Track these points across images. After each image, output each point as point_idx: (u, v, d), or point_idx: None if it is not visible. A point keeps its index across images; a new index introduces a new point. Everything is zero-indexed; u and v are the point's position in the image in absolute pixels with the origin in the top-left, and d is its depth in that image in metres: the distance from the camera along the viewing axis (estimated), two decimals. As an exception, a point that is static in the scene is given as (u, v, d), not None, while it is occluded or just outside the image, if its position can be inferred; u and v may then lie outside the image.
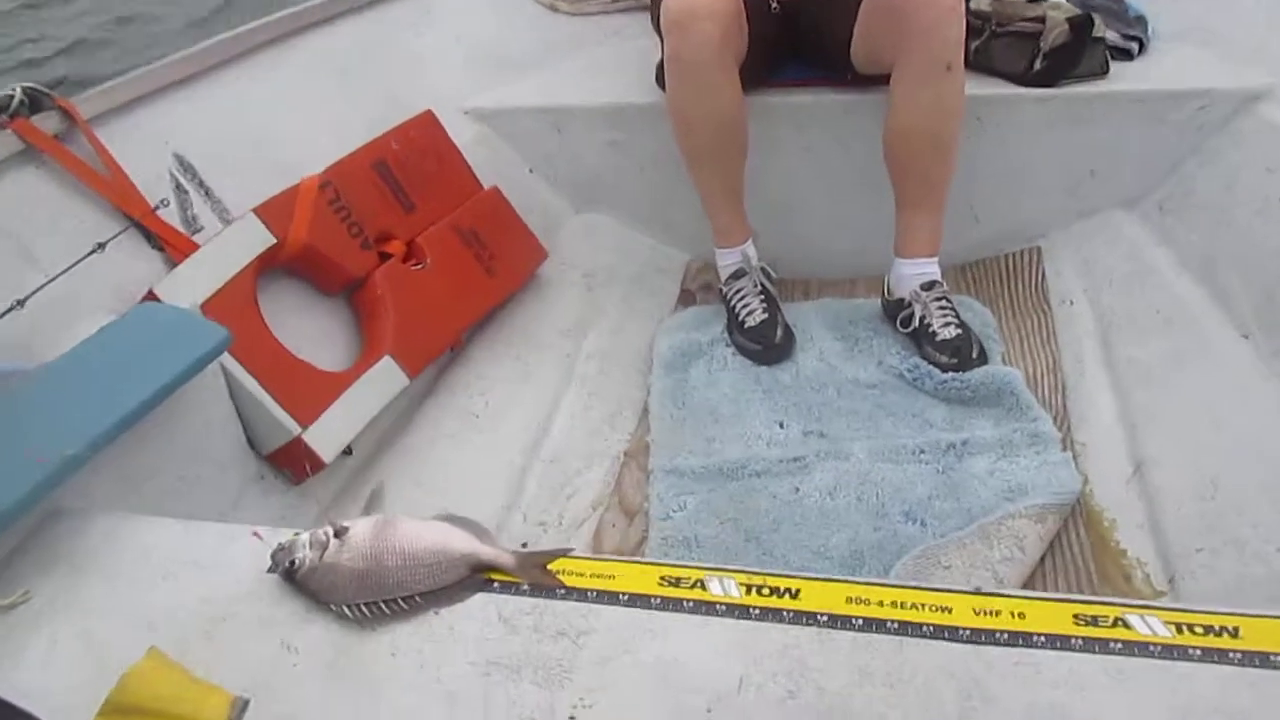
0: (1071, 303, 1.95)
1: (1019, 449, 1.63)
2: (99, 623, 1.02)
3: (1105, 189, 2.02)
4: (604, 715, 0.86)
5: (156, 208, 1.57)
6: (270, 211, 1.65)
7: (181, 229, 1.62)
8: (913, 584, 0.94)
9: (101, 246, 1.47)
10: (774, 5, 1.94)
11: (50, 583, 1.07)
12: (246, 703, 0.80)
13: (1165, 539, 1.43)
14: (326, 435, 1.57)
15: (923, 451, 1.66)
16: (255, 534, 1.06)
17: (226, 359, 1.44)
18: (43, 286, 1.37)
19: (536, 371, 1.95)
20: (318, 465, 1.56)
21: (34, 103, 1.51)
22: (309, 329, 1.74)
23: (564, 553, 1.02)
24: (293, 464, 1.56)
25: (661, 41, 1.84)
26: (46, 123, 1.51)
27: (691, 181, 1.96)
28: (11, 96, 1.48)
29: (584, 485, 1.74)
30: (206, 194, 1.70)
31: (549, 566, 1.00)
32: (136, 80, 1.68)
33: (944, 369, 1.79)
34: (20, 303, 1.34)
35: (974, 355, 1.80)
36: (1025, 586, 1.42)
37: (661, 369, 1.95)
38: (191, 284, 1.52)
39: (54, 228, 1.47)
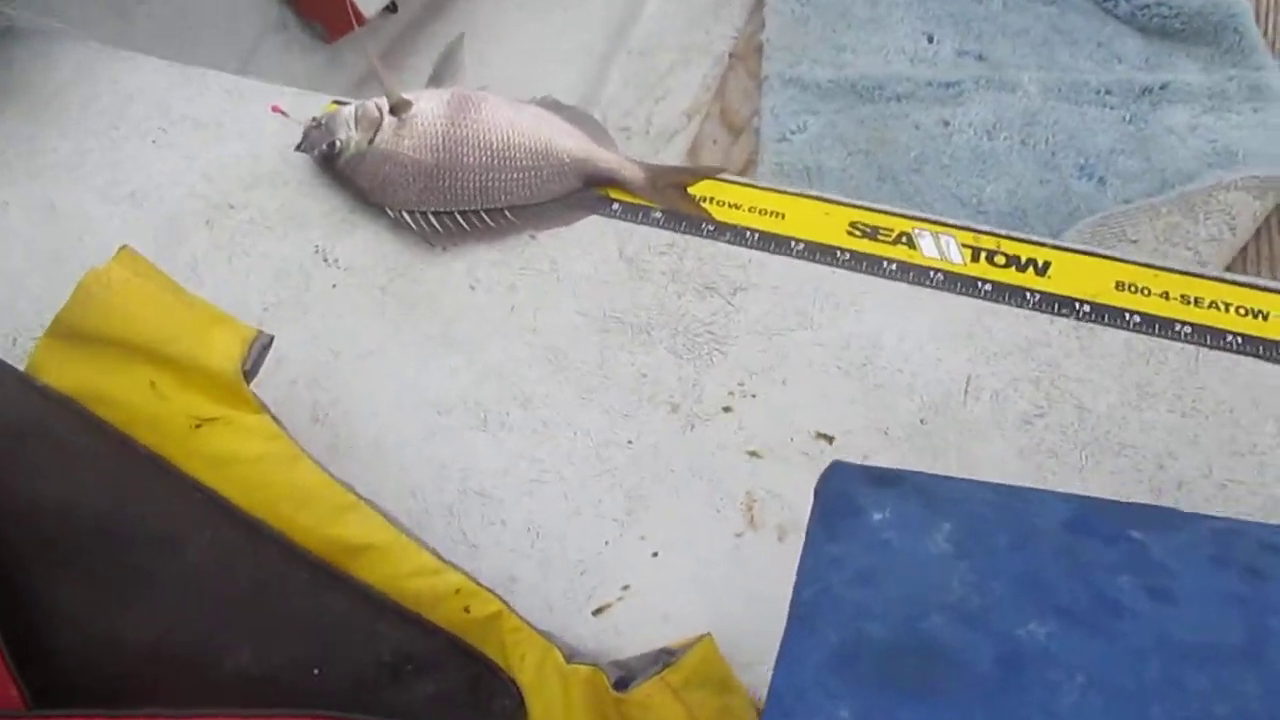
0: None
1: (1232, 103, 1.28)
2: (63, 191, 0.74)
3: None
4: (772, 410, 0.61)
5: None
6: None
7: None
8: (1210, 272, 0.66)
9: None
10: None
11: (1, 125, 0.79)
12: (270, 342, 0.53)
13: None
14: (366, -19, 1.21)
15: (1108, 92, 1.31)
16: (275, 108, 0.75)
17: None
18: None
19: None
20: (356, 19, 1.21)
21: None
22: None
23: (713, 172, 0.72)
24: (324, 14, 1.22)
25: None
26: None
27: None
28: None
29: (678, 87, 1.41)
30: None
31: (690, 190, 0.71)
32: None
33: (1148, -11, 1.39)
34: None
35: (1188, -25, 1.39)
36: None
37: (781, -50, 1.54)
38: None
39: None
